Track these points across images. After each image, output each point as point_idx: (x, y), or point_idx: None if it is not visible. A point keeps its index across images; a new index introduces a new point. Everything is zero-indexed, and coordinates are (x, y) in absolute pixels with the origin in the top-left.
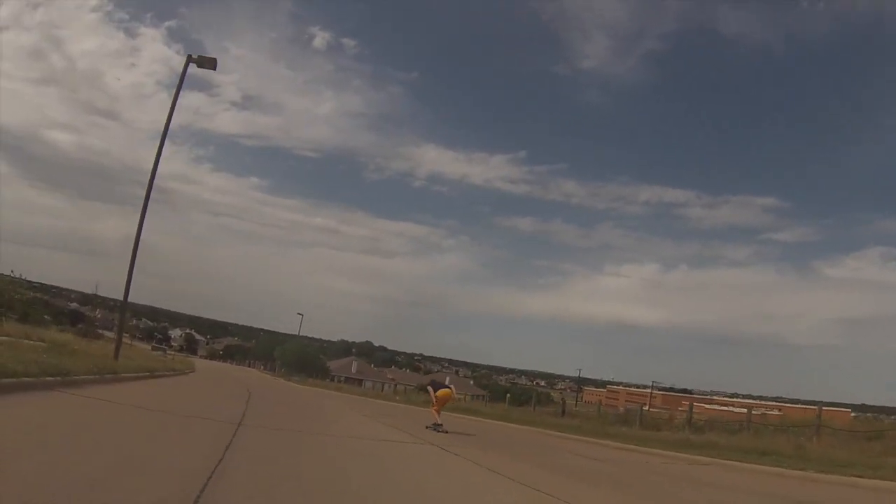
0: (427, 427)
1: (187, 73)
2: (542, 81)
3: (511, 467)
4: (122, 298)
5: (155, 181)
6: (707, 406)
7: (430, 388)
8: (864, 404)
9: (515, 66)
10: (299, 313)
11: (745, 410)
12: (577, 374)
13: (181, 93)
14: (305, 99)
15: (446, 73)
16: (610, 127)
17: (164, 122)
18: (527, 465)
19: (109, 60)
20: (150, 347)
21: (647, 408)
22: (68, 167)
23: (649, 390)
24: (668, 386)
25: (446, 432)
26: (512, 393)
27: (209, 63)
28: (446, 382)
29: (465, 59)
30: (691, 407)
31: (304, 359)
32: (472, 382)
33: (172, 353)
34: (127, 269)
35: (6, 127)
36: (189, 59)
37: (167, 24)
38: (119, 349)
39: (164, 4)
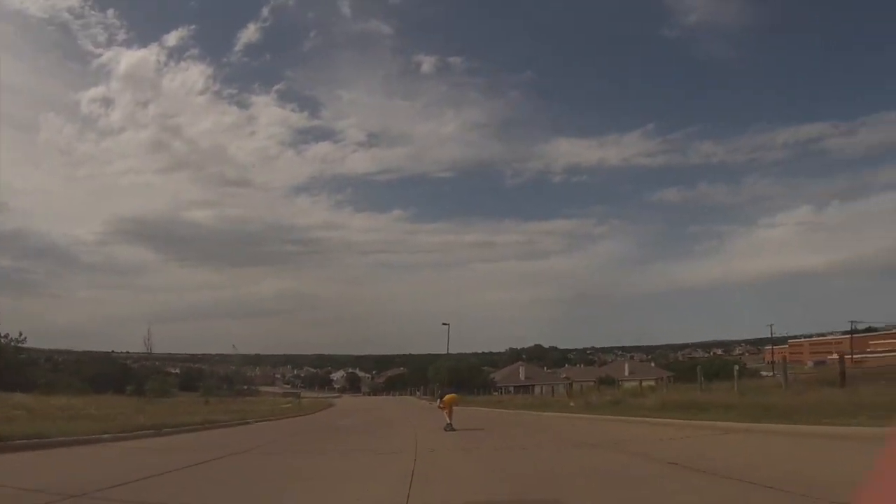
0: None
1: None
2: (653, 48)
3: None
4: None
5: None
6: None
7: (438, 398)
8: None
9: (623, 40)
10: (444, 323)
11: None
12: (751, 337)
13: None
14: (428, 123)
15: (558, 65)
16: (731, 77)
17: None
18: None
19: (229, 133)
20: (281, 393)
21: (833, 356)
22: (213, 240)
23: (839, 336)
24: (850, 329)
25: (454, 429)
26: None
27: None
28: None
29: (573, 46)
30: None
31: (460, 374)
32: (652, 364)
33: (303, 395)
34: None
35: (145, 218)
36: None
37: (276, 87)
38: None
39: (268, 71)
